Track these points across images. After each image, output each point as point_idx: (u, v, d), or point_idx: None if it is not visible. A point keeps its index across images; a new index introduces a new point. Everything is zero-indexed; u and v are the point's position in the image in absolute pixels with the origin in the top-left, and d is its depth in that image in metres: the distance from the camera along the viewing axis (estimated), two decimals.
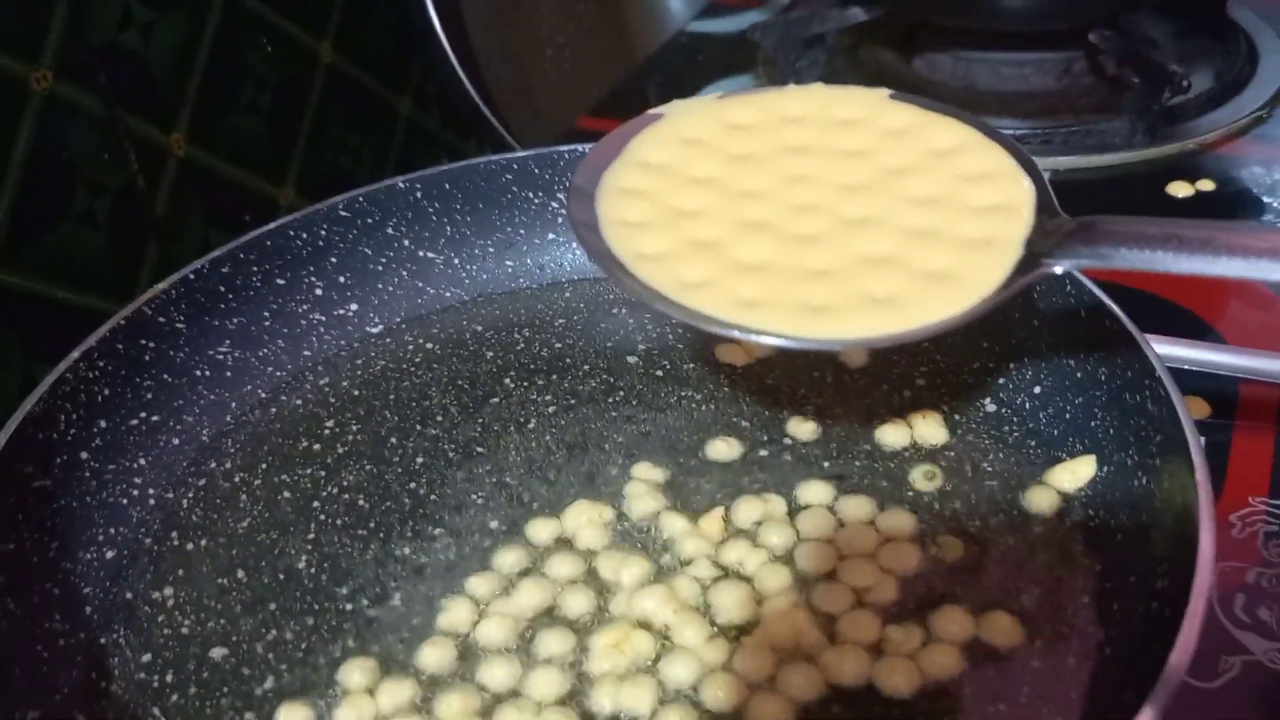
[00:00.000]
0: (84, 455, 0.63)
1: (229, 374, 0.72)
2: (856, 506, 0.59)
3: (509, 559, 0.60)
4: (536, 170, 0.79)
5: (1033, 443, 0.63)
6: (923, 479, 0.61)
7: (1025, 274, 0.51)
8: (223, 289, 0.72)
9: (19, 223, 0.78)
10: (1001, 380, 0.67)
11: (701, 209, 0.56)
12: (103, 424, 0.65)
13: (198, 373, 0.70)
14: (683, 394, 0.70)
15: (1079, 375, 0.62)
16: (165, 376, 0.69)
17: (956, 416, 0.65)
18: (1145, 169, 1.00)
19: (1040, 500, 0.59)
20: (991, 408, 0.66)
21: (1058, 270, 0.51)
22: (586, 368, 0.72)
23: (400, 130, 1.14)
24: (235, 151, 0.94)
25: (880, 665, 0.52)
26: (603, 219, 0.56)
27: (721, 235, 0.54)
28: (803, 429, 0.65)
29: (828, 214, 0.55)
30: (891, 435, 0.64)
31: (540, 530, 0.61)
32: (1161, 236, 0.48)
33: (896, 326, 0.48)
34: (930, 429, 0.64)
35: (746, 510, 0.60)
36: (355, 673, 0.54)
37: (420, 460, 0.67)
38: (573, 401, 0.70)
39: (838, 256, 0.52)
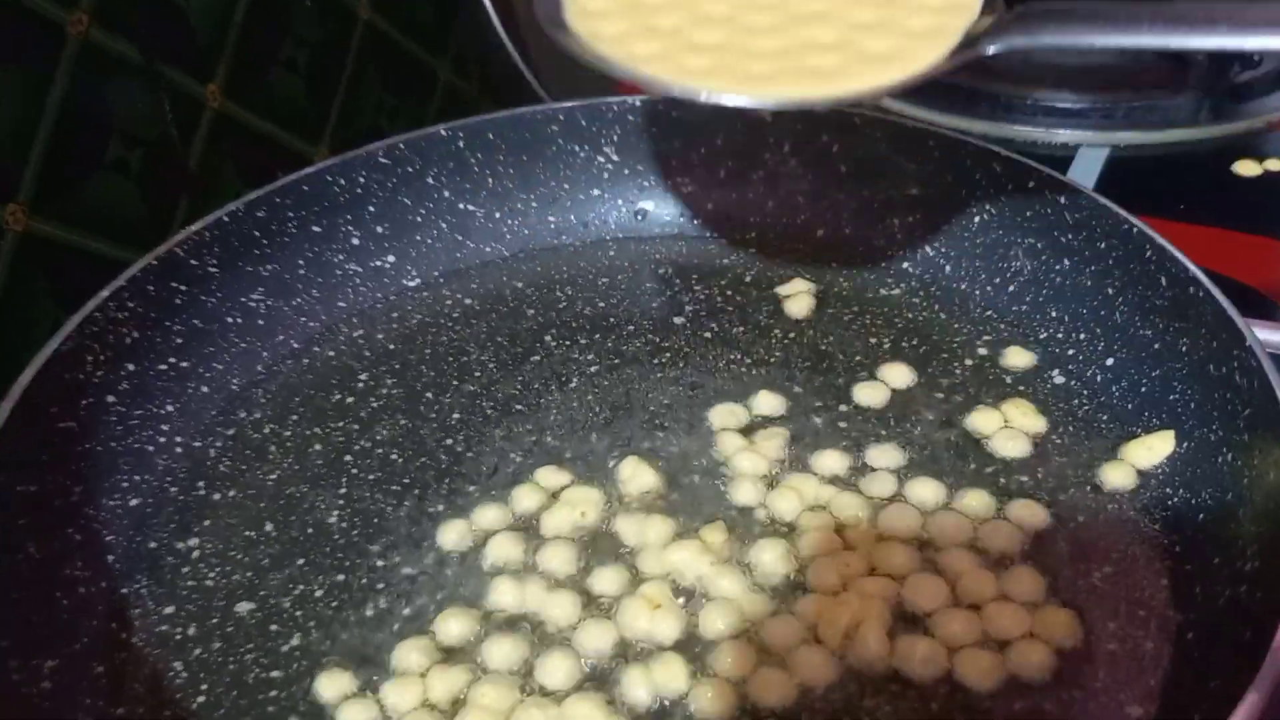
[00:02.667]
0: (110, 399, 0.60)
1: (261, 322, 0.69)
2: (924, 485, 0.56)
3: (552, 521, 0.57)
4: (584, 122, 0.76)
5: (1104, 417, 0.60)
6: (996, 447, 0.58)
7: (960, 54, 0.50)
8: (257, 234, 0.69)
9: (52, 171, 0.75)
10: (1071, 351, 0.63)
11: (662, 4, 0.56)
12: (130, 367, 0.62)
13: (229, 319, 0.68)
14: (731, 357, 0.66)
15: (1157, 346, 0.59)
16: (196, 322, 0.66)
17: (1021, 388, 0.62)
18: (1210, 147, 0.96)
19: (1115, 477, 0.56)
20: (1060, 379, 0.63)
21: (990, 50, 0.50)
22: (631, 328, 0.69)
23: (439, 94, 1.11)
24: (271, 107, 0.91)
25: (962, 657, 0.49)
26: (566, 9, 0.56)
27: (679, 24, 0.54)
28: (871, 394, 0.62)
29: (781, 10, 0.54)
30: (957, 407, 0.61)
31: (580, 491, 0.58)
32: (1086, 14, 0.48)
33: (834, 90, 0.50)
34: (1019, 413, 0.60)
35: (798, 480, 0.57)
36: (412, 653, 0.51)
37: (457, 417, 0.64)
38: (616, 361, 0.67)
39: (785, 41, 0.53)
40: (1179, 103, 0.99)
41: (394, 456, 0.62)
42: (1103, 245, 0.62)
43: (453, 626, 0.52)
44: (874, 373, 0.64)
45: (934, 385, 0.63)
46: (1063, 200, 0.64)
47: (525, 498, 0.58)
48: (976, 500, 0.55)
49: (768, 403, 0.62)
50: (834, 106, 0.56)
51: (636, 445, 0.61)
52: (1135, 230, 0.59)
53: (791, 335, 0.68)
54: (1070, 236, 0.64)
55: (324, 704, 0.50)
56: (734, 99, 0.50)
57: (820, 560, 0.52)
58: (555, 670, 0.50)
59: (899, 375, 0.63)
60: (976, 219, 0.69)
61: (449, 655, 0.51)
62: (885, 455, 0.58)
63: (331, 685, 0.50)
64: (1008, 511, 0.54)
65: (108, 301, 0.61)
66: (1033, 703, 0.47)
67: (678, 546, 0.54)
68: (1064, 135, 0.97)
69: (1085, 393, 0.61)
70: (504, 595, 0.53)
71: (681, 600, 0.52)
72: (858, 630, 0.49)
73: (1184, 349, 0.57)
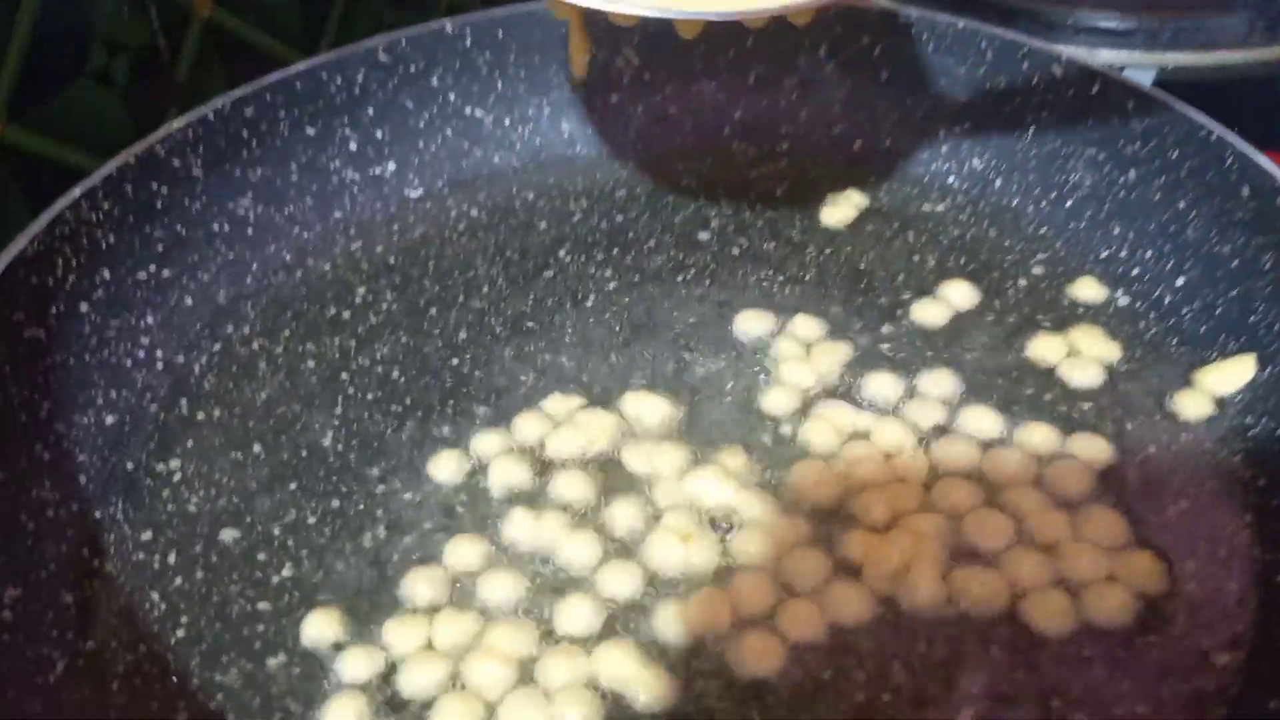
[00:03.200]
0: (84, 307, 0.55)
1: (250, 231, 0.63)
2: (980, 415, 0.51)
3: (562, 444, 0.52)
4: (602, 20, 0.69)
5: (1175, 341, 0.55)
6: (1058, 375, 0.53)
7: None
8: (245, 134, 0.63)
9: (30, 78, 0.69)
10: (1136, 271, 0.58)
11: None
12: (106, 274, 0.56)
13: (215, 227, 0.62)
14: (762, 274, 0.61)
15: (1235, 264, 0.53)
16: (179, 228, 0.60)
17: (1081, 310, 0.57)
18: (1262, 70, 0.89)
19: (1188, 405, 0.51)
20: (1124, 300, 0.57)
21: None
22: (652, 243, 0.64)
23: (443, 8, 1.04)
24: (265, 17, 0.85)
25: (1031, 599, 0.44)
26: None
27: None
28: (931, 313, 0.57)
29: None
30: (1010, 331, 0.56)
31: (595, 416, 0.53)
32: None
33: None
34: (1084, 338, 0.55)
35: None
36: (419, 584, 0.47)
37: (463, 335, 0.59)
38: (636, 279, 0.62)
39: None
40: (1230, 23, 0.92)
41: (395, 375, 0.56)
42: (1175, 155, 0.56)
43: (462, 558, 0.47)
44: (933, 290, 0.58)
45: (986, 308, 0.58)
46: (1130, 106, 0.58)
47: (534, 423, 0.53)
48: (1039, 433, 0.50)
49: (804, 324, 0.57)
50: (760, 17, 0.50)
51: (659, 367, 0.56)
52: (1214, 137, 0.54)
53: (828, 252, 0.62)
54: (1138, 146, 0.58)
55: (317, 643, 0.45)
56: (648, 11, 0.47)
57: (868, 492, 0.47)
58: (576, 615, 0.45)
59: (962, 294, 0.57)
60: (1031, 129, 0.63)
61: (456, 590, 0.46)
62: (937, 382, 0.53)
63: (326, 624, 0.45)
64: (1072, 444, 0.49)
65: (80, 200, 0.55)
66: (1106, 648, 0.42)
67: (697, 474, 0.49)
68: (1107, 55, 0.90)
69: (1153, 315, 0.56)
70: (518, 528, 0.48)
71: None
72: (908, 571, 0.44)
73: (1267, 265, 0.51)
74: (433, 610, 0.45)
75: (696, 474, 0.50)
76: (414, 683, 0.43)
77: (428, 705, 0.43)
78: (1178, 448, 0.50)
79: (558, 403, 0.54)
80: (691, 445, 0.51)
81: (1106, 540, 0.45)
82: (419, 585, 0.46)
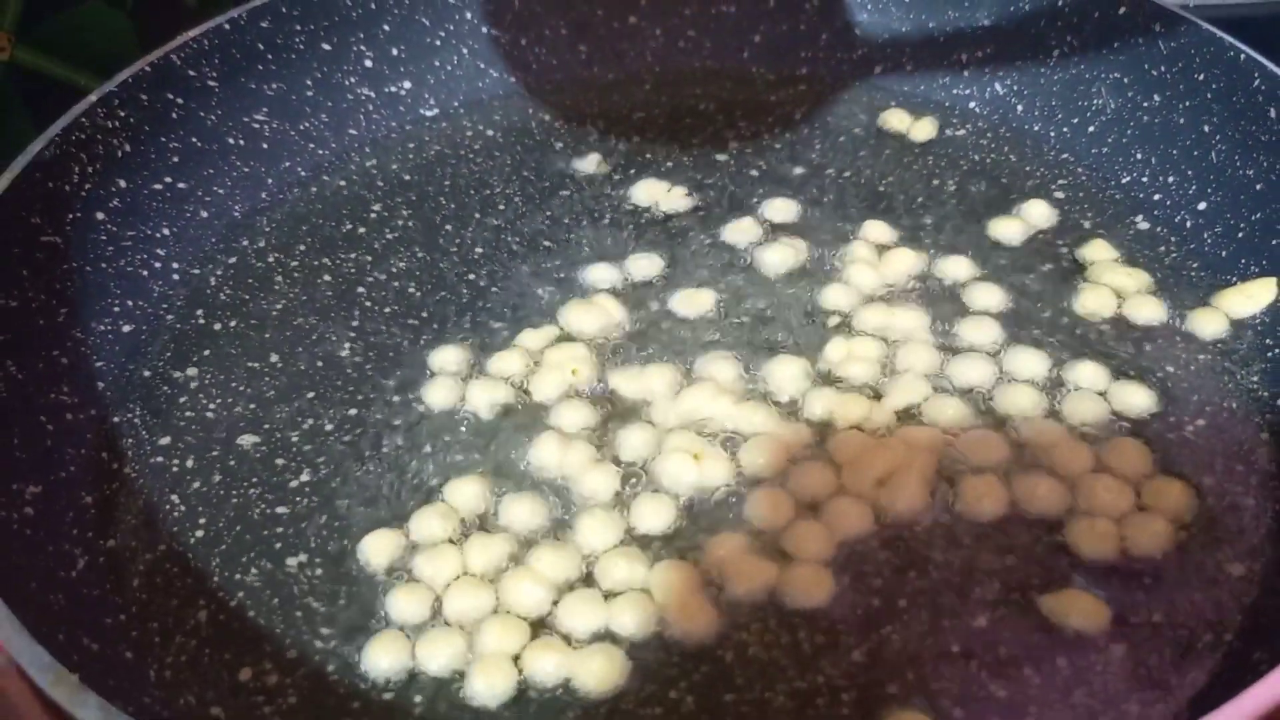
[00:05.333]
0: (100, 216, 0.55)
1: (265, 146, 0.63)
2: (984, 327, 0.51)
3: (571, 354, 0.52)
4: None
5: (1195, 264, 0.54)
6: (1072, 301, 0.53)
7: None
8: (261, 47, 0.62)
9: None
10: (1158, 196, 0.58)
11: None
12: (122, 184, 0.56)
13: (231, 140, 0.62)
14: (781, 197, 0.60)
15: (1259, 187, 0.53)
16: (194, 140, 0.60)
17: (1102, 232, 0.56)
18: None
19: (1206, 325, 0.51)
20: (1144, 225, 0.57)
21: None
22: (670, 164, 0.63)
23: None
24: None
25: (1077, 526, 0.44)
26: None
27: None
28: (1009, 230, 0.57)
29: None
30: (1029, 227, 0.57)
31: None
32: None
33: None
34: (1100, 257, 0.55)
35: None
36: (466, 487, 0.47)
37: (480, 251, 0.58)
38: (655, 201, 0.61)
39: None
40: None
41: (411, 290, 0.56)
42: (1201, 77, 0.56)
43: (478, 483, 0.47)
44: (922, 204, 0.58)
45: (1001, 229, 0.57)
46: (1157, 28, 0.57)
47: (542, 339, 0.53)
48: (1040, 360, 0.49)
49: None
50: None
51: (682, 279, 0.55)
52: (1243, 58, 0.53)
53: (847, 175, 0.62)
54: (1163, 69, 0.58)
55: (347, 544, 0.45)
56: None
57: (848, 392, 0.48)
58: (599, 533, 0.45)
59: (1041, 212, 0.57)
60: (1055, 52, 0.63)
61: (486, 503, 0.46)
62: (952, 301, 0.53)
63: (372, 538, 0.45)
64: (1083, 366, 0.49)
65: (96, 108, 0.55)
66: (1127, 563, 0.43)
67: (691, 393, 0.49)
68: None
69: (1174, 239, 0.56)
70: (541, 451, 0.48)
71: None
72: (893, 478, 0.44)
73: None
74: (456, 517, 0.45)
75: (689, 393, 0.49)
76: (433, 570, 0.43)
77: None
78: (1196, 367, 0.49)
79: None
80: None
81: (1130, 471, 0.45)
82: (466, 488, 0.46)
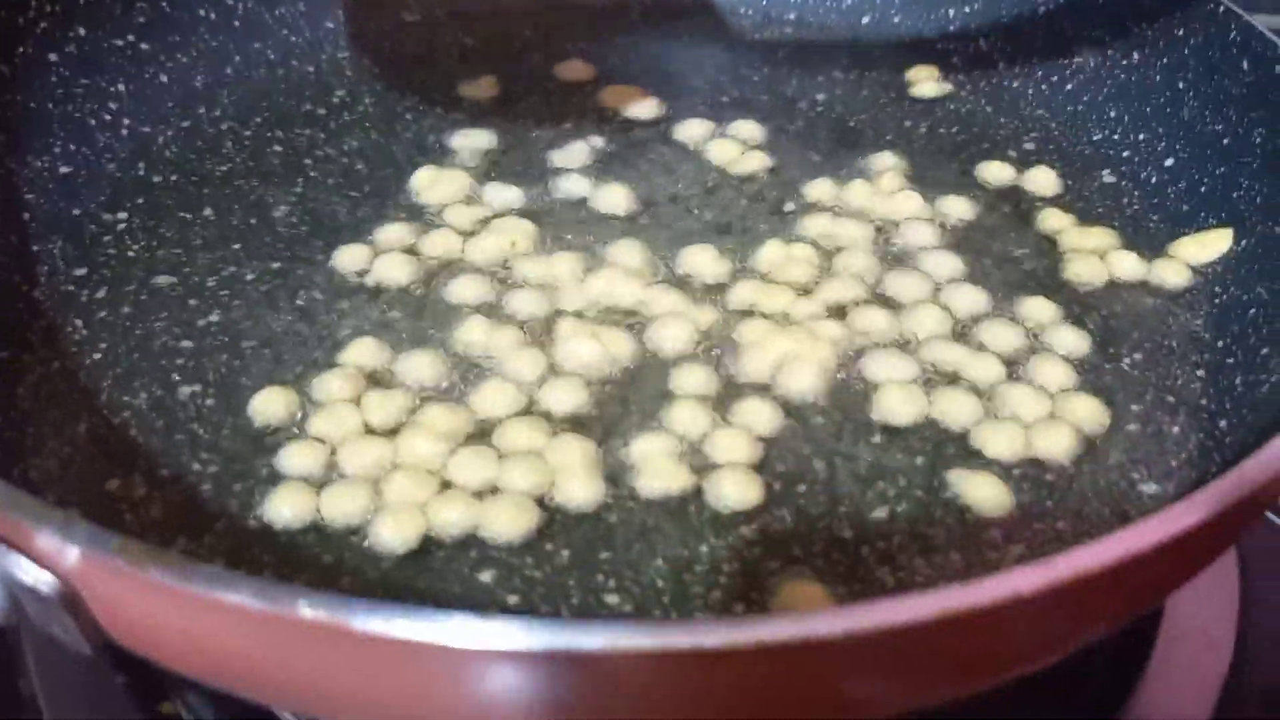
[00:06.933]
0: (53, 57, 0.54)
1: (237, 24, 0.62)
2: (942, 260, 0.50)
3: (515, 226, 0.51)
4: None
5: (1155, 217, 0.53)
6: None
7: None
8: None
9: None
10: (1126, 153, 0.56)
11: None
12: (82, 31, 0.56)
13: (201, 12, 0.61)
14: (749, 118, 0.59)
15: (1225, 141, 0.52)
16: (165, 5, 0.60)
17: (1068, 183, 0.55)
18: None
19: (1161, 272, 0.49)
20: (1110, 179, 0.56)
21: None
22: (646, 80, 0.62)
23: None
24: None
25: (984, 427, 0.42)
26: None
27: None
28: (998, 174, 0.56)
29: None
30: (994, 174, 0.56)
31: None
32: None
33: None
34: (1041, 176, 0.54)
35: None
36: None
37: (433, 140, 0.58)
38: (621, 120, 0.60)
39: None
40: None
41: (359, 167, 0.56)
42: (1180, 32, 0.55)
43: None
44: (901, 148, 0.57)
45: (966, 173, 0.56)
46: None
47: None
48: (979, 295, 0.48)
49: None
50: None
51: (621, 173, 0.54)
52: (1221, 9, 0.52)
53: (818, 110, 0.61)
54: (1144, 25, 0.57)
55: (245, 381, 0.44)
56: None
57: (774, 284, 0.47)
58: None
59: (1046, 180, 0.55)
60: (1041, 9, 0.62)
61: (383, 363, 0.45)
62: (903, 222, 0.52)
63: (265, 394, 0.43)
64: (1033, 301, 0.48)
65: None
66: (1037, 471, 0.41)
67: (598, 277, 0.48)
68: None
69: (1137, 194, 0.55)
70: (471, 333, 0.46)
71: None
72: (791, 364, 0.43)
73: (1258, 140, 0.50)
74: (361, 371, 0.44)
75: (596, 278, 0.48)
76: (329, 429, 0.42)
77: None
78: (1143, 309, 0.48)
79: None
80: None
81: (1048, 384, 0.44)
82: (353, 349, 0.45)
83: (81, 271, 0.49)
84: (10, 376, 0.43)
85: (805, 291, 0.48)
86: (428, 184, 0.53)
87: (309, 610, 0.24)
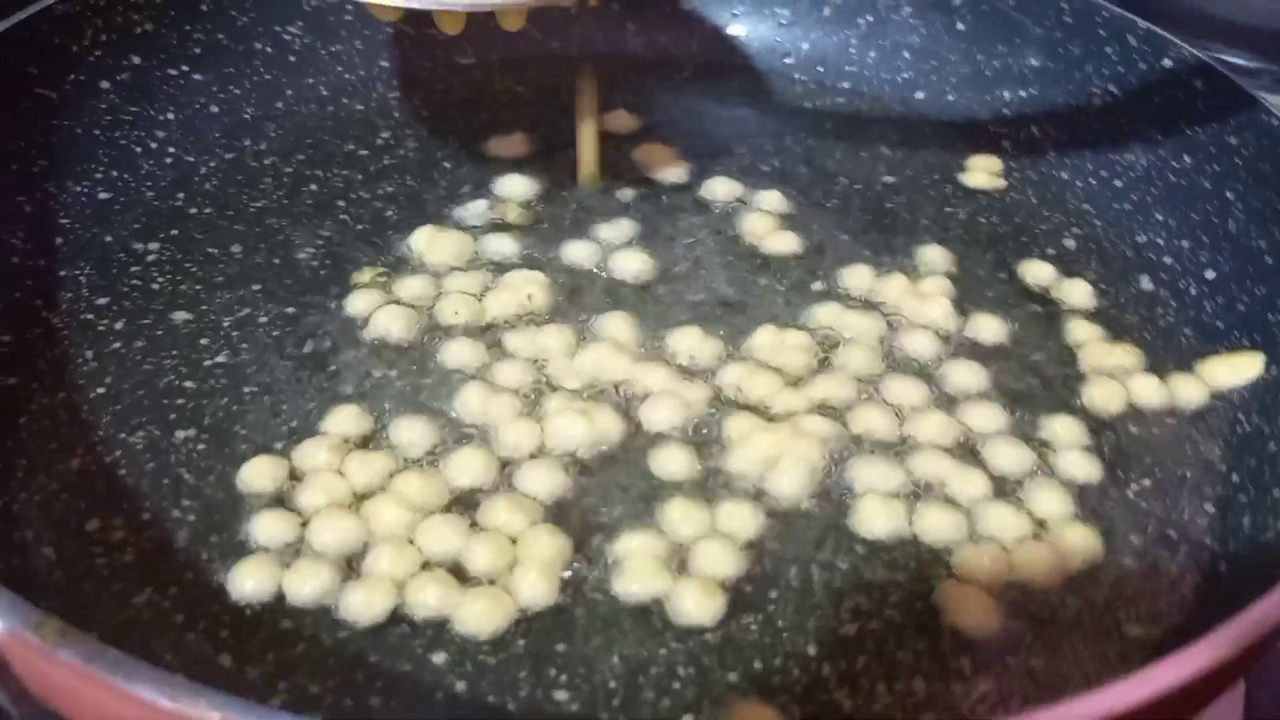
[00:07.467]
0: (105, 85, 0.56)
1: (292, 59, 0.63)
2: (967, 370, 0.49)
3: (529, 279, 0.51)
4: None
5: (1188, 331, 0.51)
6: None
7: None
8: None
9: None
10: (1168, 260, 0.55)
11: None
12: (136, 60, 0.57)
13: (258, 45, 0.62)
14: (785, 189, 0.59)
15: (1269, 260, 0.50)
16: (221, 37, 0.61)
17: (1103, 286, 0.54)
18: None
19: (1185, 391, 0.48)
20: (1148, 286, 0.54)
21: None
22: (683, 145, 0.62)
23: None
24: None
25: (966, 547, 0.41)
26: None
27: None
28: (1038, 273, 0.54)
29: None
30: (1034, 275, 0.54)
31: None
32: None
33: None
34: (1078, 289, 0.52)
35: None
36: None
37: (467, 190, 0.58)
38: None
39: None
40: None
41: (389, 213, 0.56)
42: (1234, 140, 0.53)
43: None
44: (940, 238, 0.56)
45: (1000, 266, 0.55)
46: (1199, 85, 0.55)
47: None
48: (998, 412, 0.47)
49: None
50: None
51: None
52: (1276, 122, 0.50)
53: (857, 186, 0.60)
54: (1199, 129, 0.55)
55: (239, 429, 0.44)
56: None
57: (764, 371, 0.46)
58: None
59: (1080, 291, 0.53)
60: (1097, 101, 0.60)
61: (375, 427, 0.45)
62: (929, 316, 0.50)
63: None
64: (1046, 418, 0.46)
65: None
66: (1021, 598, 0.40)
67: (588, 350, 0.48)
68: None
69: (1173, 304, 0.53)
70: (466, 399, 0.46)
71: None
72: (779, 464, 0.42)
73: None
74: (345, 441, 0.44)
75: (586, 351, 0.48)
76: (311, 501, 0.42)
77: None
78: (1160, 430, 0.46)
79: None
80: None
81: (1038, 509, 0.42)
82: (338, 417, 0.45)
83: (103, 301, 0.50)
84: (15, 405, 0.44)
85: (795, 383, 0.47)
86: (426, 244, 0.53)
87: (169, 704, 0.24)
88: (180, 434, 0.44)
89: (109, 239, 0.53)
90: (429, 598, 0.38)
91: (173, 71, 0.59)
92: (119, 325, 0.49)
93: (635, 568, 0.39)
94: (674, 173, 0.59)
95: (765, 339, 0.48)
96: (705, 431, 0.45)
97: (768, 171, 0.60)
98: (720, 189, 0.58)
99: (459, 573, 0.39)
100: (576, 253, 0.54)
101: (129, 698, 0.25)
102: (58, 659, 0.25)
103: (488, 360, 0.48)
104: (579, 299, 0.51)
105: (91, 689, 0.26)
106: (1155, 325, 0.52)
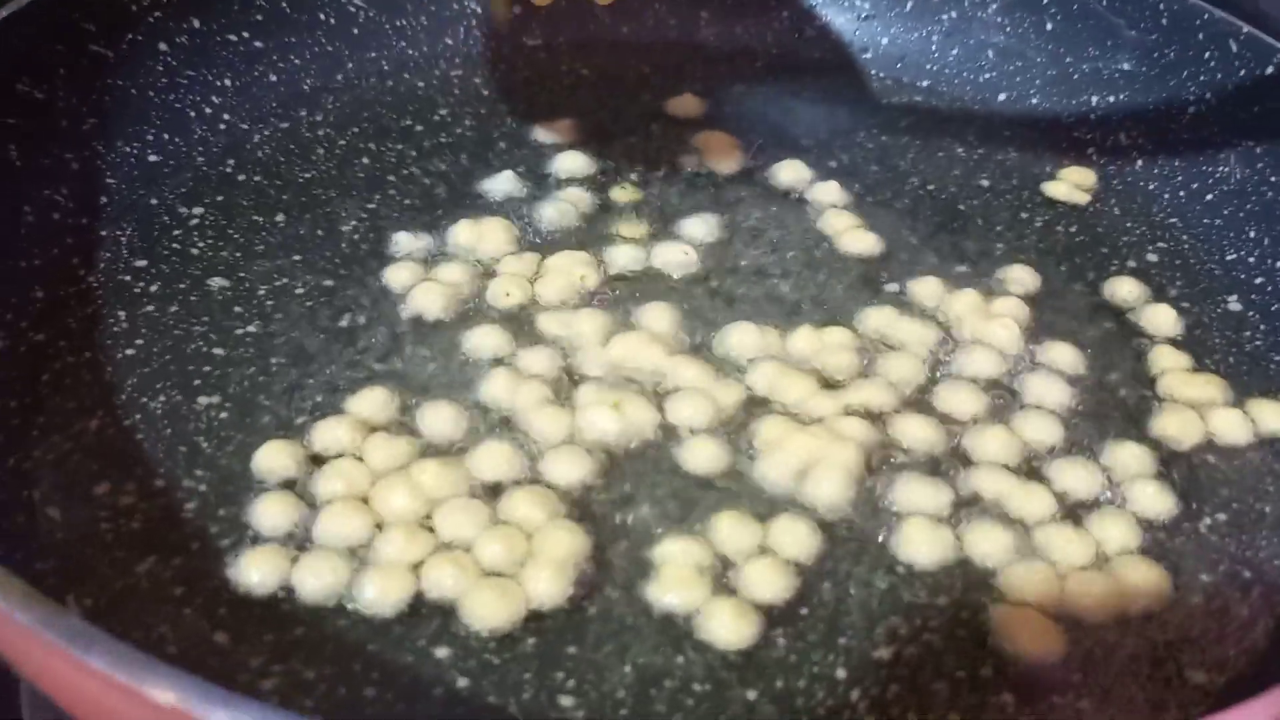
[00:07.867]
0: (163, 47, 0.55)
1: (355, 31, 0.62)
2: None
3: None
4: None
5: (1277, 357, 0.48)
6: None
7: None
8: None
9: None
10: (1259, 280, 0.51)
11: None
12: (196, 23, 0.56)
13: (322, 16, 0.61)
14: (854, 187, 0.56)
15: None
16: (284, 5, 0.60)
17: (1186, 304, 0.50)
18: None
19: (1268, 420, 0.44)
20: (1235, 306, 0.50)
21: None
22: (761, 142, 0.59)
23: None
24: None
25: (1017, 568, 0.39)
26: None
27: None
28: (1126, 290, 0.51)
29: None
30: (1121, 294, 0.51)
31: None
32: None
33: None
34: (1157, 312, 0.49)
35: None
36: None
37: (523, 169, 0.56)
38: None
39: None
40: None
41: (438, 190, 0.54)
42: None
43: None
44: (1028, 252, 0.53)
45: (1078, 278, 0.51)
46: None
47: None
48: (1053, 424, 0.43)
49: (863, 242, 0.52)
50: None
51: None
52: None
53: (931, 188, 0.57)
54: None
55: (263, 399, 0.43)
56: None
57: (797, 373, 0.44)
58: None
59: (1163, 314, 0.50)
60: (1191, 109, 0.56)
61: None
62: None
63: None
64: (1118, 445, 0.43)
65: None
66: (1076, 633, 0.37)
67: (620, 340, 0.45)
68: None
69: (1262, 328, 0.49)
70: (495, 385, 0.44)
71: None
72: (815, 469, 0.40)
73: None
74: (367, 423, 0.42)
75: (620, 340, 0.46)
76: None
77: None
78: (1240, 461, 0.43)
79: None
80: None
81: (1102, 536, 0.39)
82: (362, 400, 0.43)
83: (142, 263, 0.49)
84: (39, 362, 0.44)
85: (831, 385, 0.44)
86: (473, 225, 0.51)
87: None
88: (203, 400, 0.43)
89: (154, 201, 0.52)
90: (445, 577, 0.36)
91: (233, 37, 0.58)
92: (154, 288, 0.48)
93: (673, 576, 0.37)
94: (733, 162, 0.57)
95: (804, 340, 0.46)
96: (737, 432, 0.42)
97: (835, 167, 0.58)
98: (783, 180, 0.56)
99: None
100: (630, 236, 0.52)
101: (85, 669, 0.23)
102: (14, 621, 0.24)
103: (519, 346, 0.45)
104: (626, 286, 0.49)
105: (52, 660, 0.24)
106: (1241, 349, 0.48)
